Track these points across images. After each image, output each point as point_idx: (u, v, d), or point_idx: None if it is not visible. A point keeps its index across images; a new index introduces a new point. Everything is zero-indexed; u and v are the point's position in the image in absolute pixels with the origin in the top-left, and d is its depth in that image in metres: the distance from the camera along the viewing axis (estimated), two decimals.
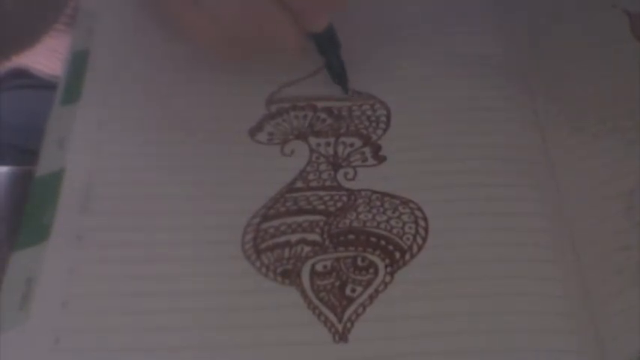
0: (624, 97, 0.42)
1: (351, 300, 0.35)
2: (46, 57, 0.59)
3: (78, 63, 0.44)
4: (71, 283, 0.36)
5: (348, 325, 0.34)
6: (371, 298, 0.35)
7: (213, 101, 0.42)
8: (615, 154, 0.40)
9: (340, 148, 0.41)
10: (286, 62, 0.44)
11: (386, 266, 0.36)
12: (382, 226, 0.38)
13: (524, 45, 0.45)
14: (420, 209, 0.38)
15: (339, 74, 0.43)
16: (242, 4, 0.38)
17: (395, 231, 0.37)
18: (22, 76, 0.59)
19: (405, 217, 0.38)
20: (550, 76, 0.44)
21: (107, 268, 0.36)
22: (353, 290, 0.35)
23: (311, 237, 0.37)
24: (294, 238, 0.37)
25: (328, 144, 0.41)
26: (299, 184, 0.39)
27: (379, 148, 0.41)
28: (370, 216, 0.38)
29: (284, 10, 0.39)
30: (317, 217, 0.38)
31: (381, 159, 0.40)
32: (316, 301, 0.35)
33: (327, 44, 0.43)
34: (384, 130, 0.41)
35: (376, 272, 0.36)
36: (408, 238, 0.37)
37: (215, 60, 0.43)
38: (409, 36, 0.46)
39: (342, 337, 0.34)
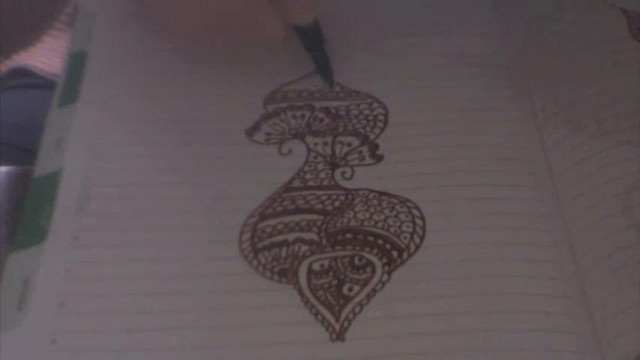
0: (622, 96, 0.42)
1: (348, 299, 0.35)
2: (46, 56, 0.59)
3: (76, 64, 0.44)
4: (68, 283, 0.36)
5: (345, 324, 0.34)
6: (368, 297, 0.35)
7: (210, 102, 0.42)
8: (613, 154, 0.39)
9: (338, 148, 0.41)
10: (284, 62, 0.44)
11: (383, 265, 0.36)
12: (379, 225, 0.37)
13: (522, 45, 0.45)
14: (417, 208, 0.38)
15: (323, 69, 0.43)
16: None
17: (392, 230, 0.37)
18: (23, 75, 0.59)
19: (402, 216, 0.38)
20: (548, 76, 0.44)
21: (104, 268, 0.36)
22: (350, 289, 0.35)
23: (308, 236, 0.37)
24: (291, 237, 0.37)
25: (326, 143, 0.41)
26: (296, 184, 0.39)
27: (377, 147, 0.41)
28: (368, 215, 0.38)
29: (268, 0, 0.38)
30: (314, 216, 0.38)
31: (378, 158, 0.40)
32: (313, 300, 0.35)
33: (312, 38, 0.43)
34: (382, 129, 0.41)
35: (373, 271, 0.36)
36: (405, 237, 0.37)
37: (193, 51, 0.43)
38: (408, 35, 0.46)
39: (339, 336, 0.34)
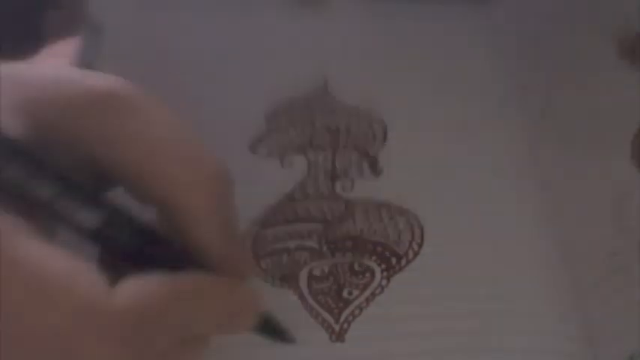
0: (612, 111, 0.43)
1: (348, 302, 0.36)
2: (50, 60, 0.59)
3: None
4: None
5: (345, 325, 0.35)
6: (367, 300, 0.36)
7: (213, 117, 0.43)
8: (605, 161, 0.40)
9: (338, 162, 0.41)
10: (286, 77, 0.45)
11: (382, 271, 0.37)
12: (379, 233, 0.38)
13: (518, 61, 0.46)
14: (416, 218, 0.39)
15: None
16: None
17: (391, 238, 0.38)
18: None
19: (401, 225, 0.38)
20: (545, 92, 0.45)
21: None
22: (350, 293, 0.36)
23: (309, 243, 0.38)
24: (292, 244, 0.38)
25: (326, 158, 0.42)
26: (297, 195, 0.40)
27: (376, 161, 0.41)
28: (367, 224, 0.39)
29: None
30: (315, 225, 0.38)
31: (378, 172, 0.41)
32: (313, 303, 0.35)
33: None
34: (382, 145, 0.42)
35: (373, 276, 0.36)
36: (404, 245, 0.38)
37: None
38: (406, 50, 0.47)
39: (338, 337, 0.34)
